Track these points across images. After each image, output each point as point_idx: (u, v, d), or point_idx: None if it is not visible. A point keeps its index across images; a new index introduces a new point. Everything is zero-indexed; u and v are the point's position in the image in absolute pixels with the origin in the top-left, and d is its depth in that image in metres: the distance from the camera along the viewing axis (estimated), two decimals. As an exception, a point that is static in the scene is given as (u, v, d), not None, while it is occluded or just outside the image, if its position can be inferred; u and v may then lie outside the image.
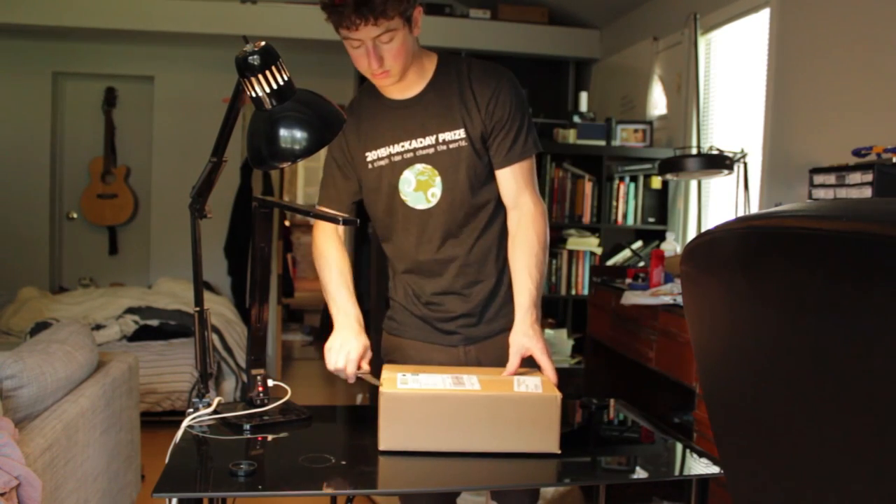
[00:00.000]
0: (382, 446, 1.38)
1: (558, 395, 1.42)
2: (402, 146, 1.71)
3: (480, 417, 1.39)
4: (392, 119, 1.72)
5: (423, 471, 1.39)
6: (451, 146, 1.69)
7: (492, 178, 1.75)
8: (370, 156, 1.73)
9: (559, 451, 1.40)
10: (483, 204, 1.75)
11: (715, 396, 0.77)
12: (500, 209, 1.77)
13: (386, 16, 1.52)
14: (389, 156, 1.72)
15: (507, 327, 1.76)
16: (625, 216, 4.04)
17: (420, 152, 1.70)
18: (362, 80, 5.99)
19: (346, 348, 1.60)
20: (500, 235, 1.78)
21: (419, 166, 1.71)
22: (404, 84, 1.69)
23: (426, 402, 1.38)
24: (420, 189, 1.72)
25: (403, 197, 1.72)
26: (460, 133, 1.69)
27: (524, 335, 1.62)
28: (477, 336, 1.79)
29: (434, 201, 1.72)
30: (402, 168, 1.71)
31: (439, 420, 1.38)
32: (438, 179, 1.71)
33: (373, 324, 4.11)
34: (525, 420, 1.40)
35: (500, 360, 1.64)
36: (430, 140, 1.70)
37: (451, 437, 1.39)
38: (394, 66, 1.60)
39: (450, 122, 1.69)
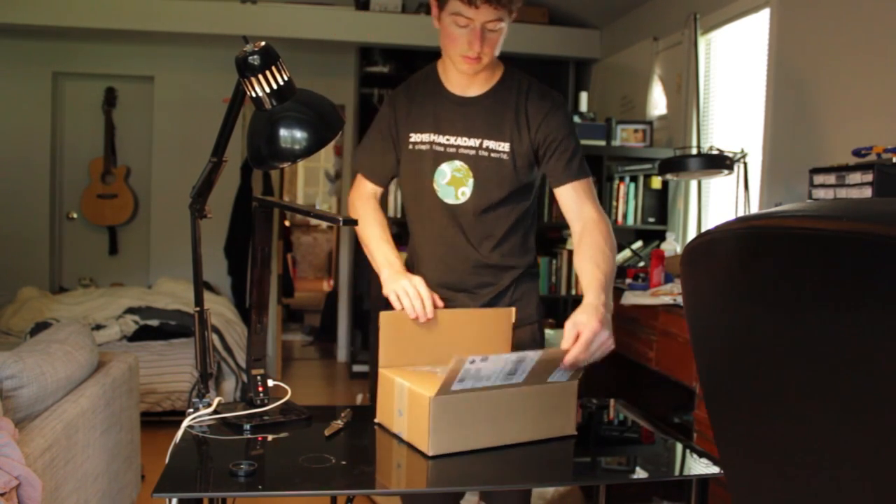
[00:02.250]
0: (433, 451, 1.37)
1: (575, 381, 1.52)
2: (447, 139, 1.76)
3: (513, 409, 1.44)
4: (445, 111, 1.77)
5: (422, 471, 1.39)
6: (493, 155, 1.74)
7: (523, 197, 1.80)
8: (413, 137, 1.79)
9: (576, 433, 1.52)
10: (507, 215, 1.79)
11: (715, 396, 0.77)
12: (521, 224, 1.82)
13: (507, 5, 1.61)
14: (431, 143, 1.78)
15: (517, 325, 1.79)
16: (625, 216, 4.04)
17: (462, 150, 1.76)
18: (363, 81, 5.98)
19: (411, 287, 1.63)
20: (518, 248, 1.83)
21: (458, 163, 1.77)
22: (472, 80, 1.75)
23: (472, 401, 1.39)
24: (452, 184, 1.78)
25: (435, 186, 1.78)
26: (505, 146, 1.74)
27: (583, 312, 1.52)
28: None
29: (462, 199, 1.78)
30: (441, 159, 1.77)
31: (481, 417, 1.41)
32: (471, 181, 1.76)
33: (373, 323, 4.11)
34: (550, 408, 1.48)
35: None
36: (474, 142, 1.75)
37: (490, 433, 1.42)
38: (488, 54, 1.67)
39: (498, 133, 1.74)
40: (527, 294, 1.86)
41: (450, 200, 1.78)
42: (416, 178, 1.81)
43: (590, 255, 1.64)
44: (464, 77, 1.75)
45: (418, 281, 1.65)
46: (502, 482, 1.50)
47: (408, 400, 1.44)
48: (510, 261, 1.82)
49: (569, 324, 1.51)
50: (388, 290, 1.67)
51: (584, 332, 1.47)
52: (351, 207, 1.88)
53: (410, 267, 1.91)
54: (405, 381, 1.46)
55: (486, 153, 1.75)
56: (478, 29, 1.62)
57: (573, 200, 1.74)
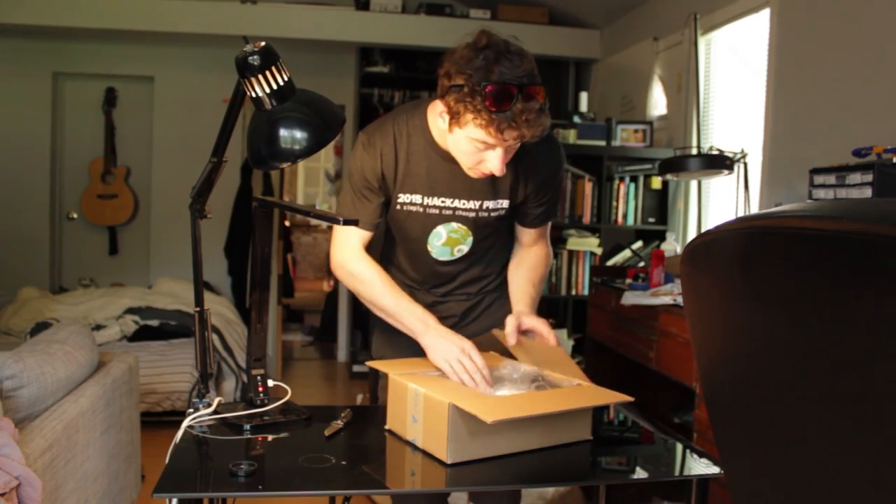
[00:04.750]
0: (451, 459, 1.34)
1: (589, 384, 1.53)
2: (443, 202, 1.66)
3: (535, 418, 1.40)
4: (439, 172, 1.63)
5: (422, 472, 1.39)
6: (493, 214, 1.70)
7: (508, 227, 1.82)
8: (402, 198, 1.66)
9: (591, 438, 1.49)
10: (496, 243, 1.82)
11: (715, 396, 0.77)
12: (505, 240, 1.85)
13: (533, 132, 1.44)
14: (424, 206, 1.67)
15: (494, 325, 1.83)
16: (625, 216, 4.04)
17: (459, 212, 1.68)
18: (363, 81, 5.95)
19: (467, 360, 1.50)
20: (496, 258, 1.85)
21: (455, 224, 1.70)
22: None
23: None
24: (449, 245, 1.73)
25: (429, 248, 1.73)
26: (504, 203, 1.70)
27: (519, 312, 1.70)
28: (465, 335, 1.82)
29: (458, 255, 1.75)
30: (436, 222, 1.69)
31: (501, 424, 1.37)
32: (471, 239, 1.73)
33: (372, 324, 4.11)
34: (567, 412, 1.44)
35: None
36: (473, 204, 1.67)
37: (510, 440, 1.39)
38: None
39: (498, 193, 1.68)
40: (501, 297, 1.88)
41: (445, 258, 1.75)
42: (406, 236, 1.71)
43: (527, 278, 1.78)
44: None
45: (470, 347, 1.51)
46: (501, 482, 1.50)
47: (423, 406, 1.41)
48: (490, 277, 1.86)
49: (508, 319, 1.66)
50: (439, 359, 1.53)
51: (529, 320, 1.67)
52: (340, 269, 1.68)
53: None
54: (420, 386, 1.43)
55: (485, 213, 1.68)
56: (500, 153, 1.47)
57: (532, 238, 1.83)
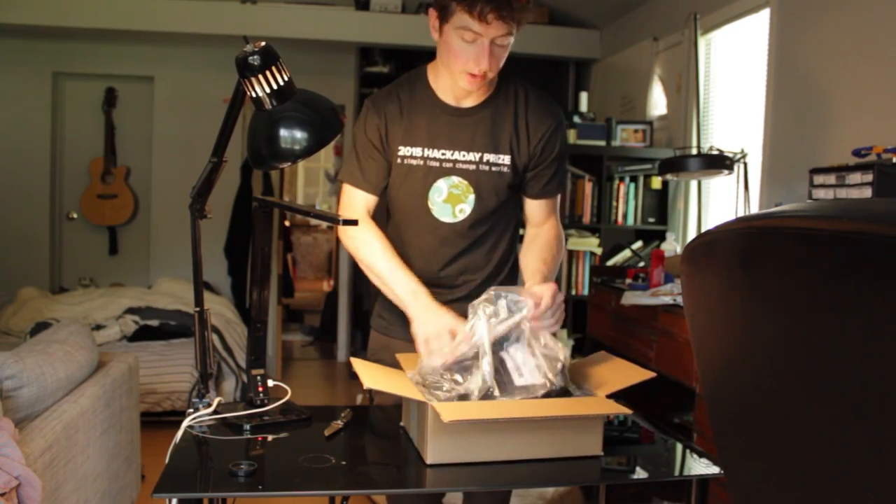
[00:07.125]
0: (431, 460, 1.34)
1: (602, 397, 1.47)
2: (443, 153, 1.67)
3: (527, 425, 1.37)
4: (439, 123, 1.67)
5: (415, 471, 1.39)
6: (494, 169, 1.68)
7: (513, 201, 1.78)
8: (403, 150, 1.68)
9: (602, 453, 1.43)
10: (501, 219, 1.77)
11: (715, 396, 0.77)
12: (510, 222, 1.81)
13: (517, 20, 1.52)
14: (425, 158, 1.67)
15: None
16: (625, 216, 4.04)
17: (460, 165, 1.67)
18: (363, 80, 5.94)
19: (436, 338, 1.50)
20: (506, 246, 1.81)
21: (455, 178, 1.68)
22: (467, 91, 1.66)
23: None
24: (450, 202, 1.69)
25: (430, 205, 1.70)
26: (506, 159, 1.68)
27: (536, 285, 1.60)
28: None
29: (461, 217, 1.71)
30: (437, 175, 1.68)
31: (489, 429, 1.36)
32: (472, 197, 1.69)
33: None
34: (572, 424, 1.40)
35: None
36: (473, 156, 1.67)
37: (499, 448, 1.37)
38: (493, 70, 1.58)
39: (498, 146, 1.68)
40: (507, 281, 1.83)
41: (447, 219, 1.70)
42: (407, 194, 1.70)
43: (539, 257, 1.71)
44: (460, 88, 1.66)
45: (449, 329, 1.51)
46: (501, 482, 1.50)
47: (417, 404, 1.42)
48: (496, 259, 1.80)
49: (526, 293, 1.55)
50: (417, 331, 1.56)
51: (546, 290, 1.53)
52: (343, 233, 1.71)
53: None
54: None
55: (486, 167, 1.68)
56: (486, 45, 1.53)
57: (541, 214, 1.79)
